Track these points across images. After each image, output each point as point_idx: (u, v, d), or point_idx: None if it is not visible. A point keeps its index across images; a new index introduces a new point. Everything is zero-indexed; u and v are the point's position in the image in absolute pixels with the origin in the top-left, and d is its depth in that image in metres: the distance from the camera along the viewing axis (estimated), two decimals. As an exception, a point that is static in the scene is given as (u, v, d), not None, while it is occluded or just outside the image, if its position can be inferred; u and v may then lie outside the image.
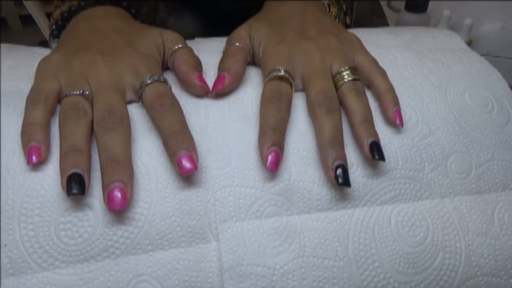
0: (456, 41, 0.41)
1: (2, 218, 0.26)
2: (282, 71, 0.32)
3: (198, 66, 0.33)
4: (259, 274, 0.27)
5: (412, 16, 0.57)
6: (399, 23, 0.60)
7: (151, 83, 0.31)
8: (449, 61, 0.38)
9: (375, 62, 0.35)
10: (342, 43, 0.35)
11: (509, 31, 0.55)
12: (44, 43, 0.40)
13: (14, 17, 1.87)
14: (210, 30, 0.59)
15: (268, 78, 0.32)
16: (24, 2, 1.01)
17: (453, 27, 0.58)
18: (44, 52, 0.37)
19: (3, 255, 0.26)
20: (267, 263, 0.28)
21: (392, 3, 0.91)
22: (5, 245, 0.26)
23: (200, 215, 0.28)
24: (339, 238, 0.29)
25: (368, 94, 0.34)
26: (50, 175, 0.28)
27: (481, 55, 0.41)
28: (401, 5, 0.63)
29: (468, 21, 0.54)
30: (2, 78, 0.33)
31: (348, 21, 0.60)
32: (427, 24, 0.58)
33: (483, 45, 0.56)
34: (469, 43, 0.56)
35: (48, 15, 0.57)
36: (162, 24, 0.58)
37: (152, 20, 0.57)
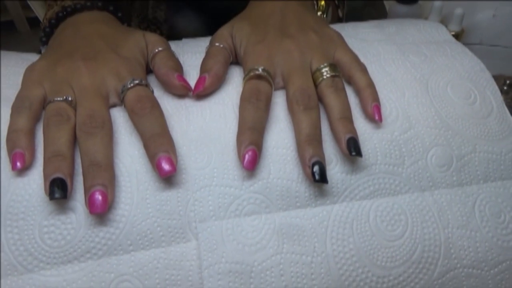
0: (442, 33, 0.41)
1: None
2: (260, 70, 0.32)
3: (177, 67, 0.34)
4: (237, 271, 0.28)
5: (403, 8, 0.57)
6: (390, 15, 0.59)
7: (132, 87, 0.31)
8: (432, 53, 0.38)
9: (355, 57, 0.35)
10: (322, 39, 0.35)
11: (501, 19, 0.54)
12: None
13: (22, 20, 1.89)
14: (210, 26, 0.60)
15: (247, 77, 0.33)
16: (30, 4, 1.02)
17: (445, 17, 0.57)
18: (33, 58, 0.38)
19: None
20: (245, 260, 0.28)
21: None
22: None
23: (180, 215, 0.29)
24: (317, 234, 0.29)
25: (350, 90, 0.34)
26: (35, 180, 0.29)
27: (474, 44, 0.41)
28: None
29: (459, 10, 0.54)
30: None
31: (340, 14, 0.60)
32: (418, 15, 0.58)
33: (476, 34, 0.55)
34: (462, 32, 0.55)
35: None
36: (154, 19, 0.58)
37: (145, 15, 0.58)
